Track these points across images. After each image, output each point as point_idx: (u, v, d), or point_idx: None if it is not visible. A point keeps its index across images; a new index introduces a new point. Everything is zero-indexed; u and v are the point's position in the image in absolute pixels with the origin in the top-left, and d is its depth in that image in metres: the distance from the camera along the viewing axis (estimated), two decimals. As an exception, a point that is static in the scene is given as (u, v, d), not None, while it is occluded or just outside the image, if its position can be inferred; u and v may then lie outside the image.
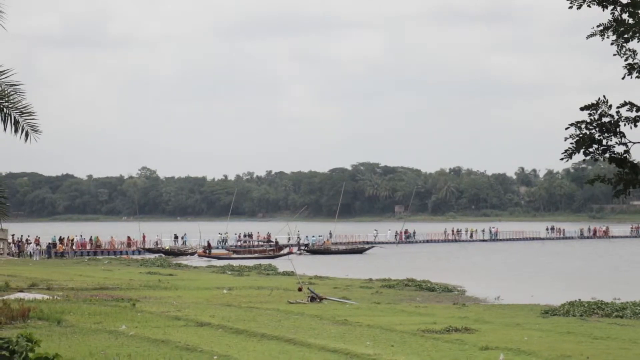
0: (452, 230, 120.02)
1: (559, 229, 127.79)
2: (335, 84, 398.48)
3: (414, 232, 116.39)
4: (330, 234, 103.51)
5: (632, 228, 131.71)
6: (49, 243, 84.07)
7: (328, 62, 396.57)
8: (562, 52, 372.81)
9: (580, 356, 19.23)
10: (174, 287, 42.24)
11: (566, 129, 11.07)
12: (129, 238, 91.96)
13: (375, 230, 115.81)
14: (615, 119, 11.06)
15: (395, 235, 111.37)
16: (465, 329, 24.18)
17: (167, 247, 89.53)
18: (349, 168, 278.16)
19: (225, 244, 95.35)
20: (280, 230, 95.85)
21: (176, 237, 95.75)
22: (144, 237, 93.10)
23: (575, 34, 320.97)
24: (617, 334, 24.07)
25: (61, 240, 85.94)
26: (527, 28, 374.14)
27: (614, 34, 11.36)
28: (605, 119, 11.06)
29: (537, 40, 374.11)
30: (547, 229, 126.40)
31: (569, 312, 31.07)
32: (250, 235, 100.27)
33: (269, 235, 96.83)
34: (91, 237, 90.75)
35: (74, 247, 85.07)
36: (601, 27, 11.44)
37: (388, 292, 43.33)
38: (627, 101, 11.05)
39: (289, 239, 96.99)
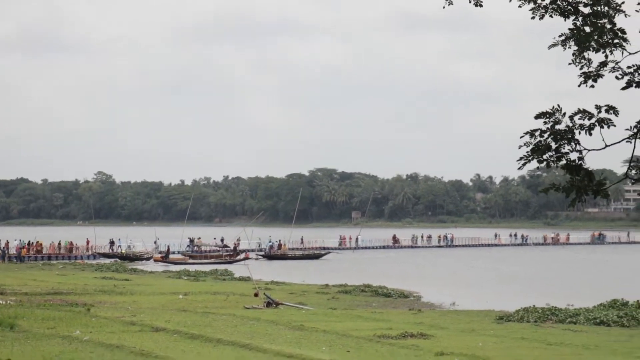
0: (422, 237, 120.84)
1: (523, 235, 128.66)
2: (293, 90, 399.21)
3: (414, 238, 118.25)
4: (302, 239, 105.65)
5: (592, 235, 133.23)
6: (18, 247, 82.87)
7: (287, 67, 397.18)
8: (520, 59, 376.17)
9: (534, 362, 19.38)
10: (130, 292, 41.98)
11: (521, 137, 11.17)
12: (71, 243, 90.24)
13: (340, 235, 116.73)
14: (570, 126, 11.17)
15: (340, 241, 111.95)
16: (421, 335, 24.26)
17: (123, 252, 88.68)
18: (306, 174, 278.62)
19: (195, 248, 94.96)
20: (237, 235, 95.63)
21: (112, 243, 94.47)
22: (87, 242, 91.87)
23: (533, 41, 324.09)
24: (570, 340, 24.28)
25: (29, 244, 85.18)
26: (484, 35, 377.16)
27: (575, 44, 11.49)
28: (560, 127, 11.18)
29: (494, 48, 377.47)
30: (509, 235, 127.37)
31: (523, 318, 31.31)
32: (222, 240, 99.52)
33: (238, 241, 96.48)
34: (60, 241, 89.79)
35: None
36: (563, 37, 11.56)
37: (344, 297, 43.36)
38: (581, 109, 11.17)
39: (259, 244, 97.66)
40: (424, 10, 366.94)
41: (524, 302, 36.56)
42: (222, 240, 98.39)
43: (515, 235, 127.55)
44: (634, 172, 11.31)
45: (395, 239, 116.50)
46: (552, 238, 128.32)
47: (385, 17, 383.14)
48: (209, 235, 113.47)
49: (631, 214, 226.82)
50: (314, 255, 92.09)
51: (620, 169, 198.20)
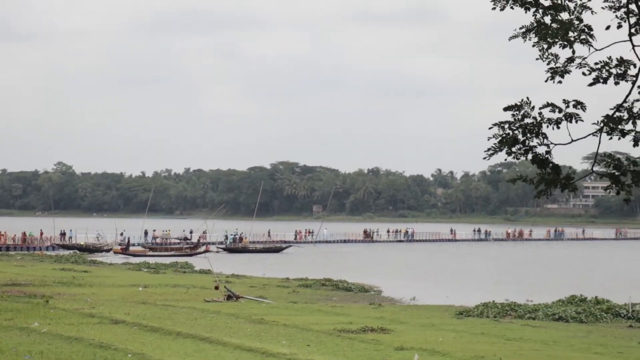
0: (388, 231, 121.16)
1: (486, 230, 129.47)
2: (256, 83, 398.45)
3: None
4: (269, 233, 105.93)
5: (548, 231, 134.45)
6: None
7: (249, 60, 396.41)
8: (481, 55, 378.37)
9: (494, 357, 19.43)
10: (89, 284, 41.64)
11: (490, 128, 11.20)
12: (23, 234, 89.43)
13: (296, 230, 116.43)
14: (538, 120, 11.22)
15: (295, 236, 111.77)
16: (381, 329, 24.26)
17: (82, 243, 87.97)
18: (268, 167, 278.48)
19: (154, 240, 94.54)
20: (201, 228, 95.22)
21: (63, 234, 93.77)
22: (41, 233, 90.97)
23: (494, 37, 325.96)
24: (529, 335, 24.43)
25: None
26: (445, 31, 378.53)
27: (536, 36, 11.53)
28: (528, 120, 11.22)
29: (456, 43, 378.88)
30: (472, 231, 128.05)
31: (483, 314, 31.48)
32: (191, 232, 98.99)
33: (204, 234, 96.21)
34: (24, 232, 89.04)
35: None
36: (524, 29, 11.60)
37: (305, 291, 43.31)
38: (549, 102, 11.22)
39: (226, 236, 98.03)
40: (386, 4, 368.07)
41: (484, 297, 36.75)
42: (190, 232, 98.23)
43: (479, 230, 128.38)
44: (601, 165, 11.38)
45: (366, 233, 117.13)
46: (514, 233, 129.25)
47: (346, 11, 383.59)
48: (170, 227, 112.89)
49: (590, 210, 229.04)
50: (275, 248, 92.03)
51: (580, 166, 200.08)
